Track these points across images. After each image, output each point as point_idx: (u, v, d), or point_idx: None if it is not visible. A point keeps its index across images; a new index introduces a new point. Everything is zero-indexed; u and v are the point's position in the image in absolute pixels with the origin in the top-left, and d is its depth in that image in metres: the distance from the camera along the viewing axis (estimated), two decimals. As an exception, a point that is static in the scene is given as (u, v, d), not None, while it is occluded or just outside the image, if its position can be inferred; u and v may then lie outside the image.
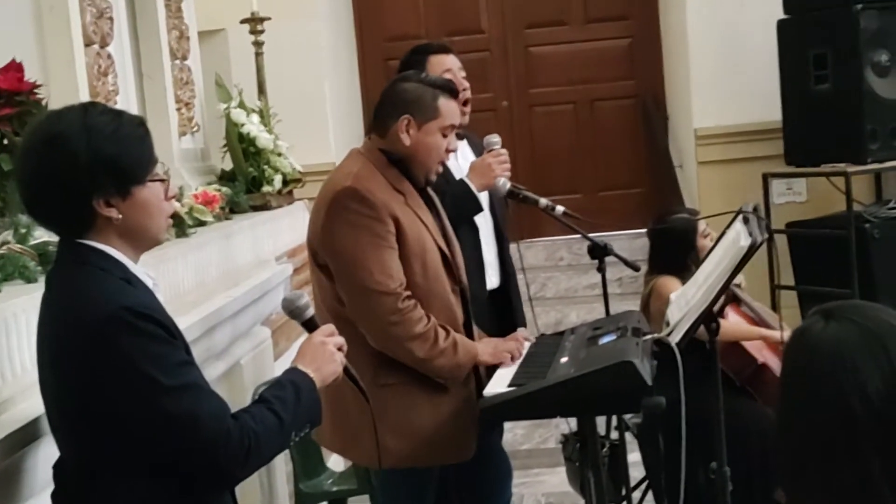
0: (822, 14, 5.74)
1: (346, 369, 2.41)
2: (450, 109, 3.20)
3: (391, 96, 3.23)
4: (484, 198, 3.65)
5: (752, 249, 2.93)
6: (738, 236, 3.02)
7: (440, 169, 3.26)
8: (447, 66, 3.73)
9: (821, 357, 1.50)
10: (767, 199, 6.08)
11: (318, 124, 6.59)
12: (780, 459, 1.52)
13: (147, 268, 2.19)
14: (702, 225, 4.22)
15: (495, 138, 3.73)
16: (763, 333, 4.10)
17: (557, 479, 4.83)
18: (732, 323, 4.12)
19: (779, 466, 1.53)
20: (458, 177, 3.63)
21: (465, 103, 3.61)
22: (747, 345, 4.08)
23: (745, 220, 3.06)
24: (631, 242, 6.42)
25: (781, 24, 5.95)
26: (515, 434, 5.56)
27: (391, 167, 3.18)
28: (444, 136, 3.19)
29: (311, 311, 2.49)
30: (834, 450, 1.46)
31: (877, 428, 1.44)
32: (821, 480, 1.47)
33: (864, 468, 1.44)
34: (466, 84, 3.72)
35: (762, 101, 6.27)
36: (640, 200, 7.47)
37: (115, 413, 1.98)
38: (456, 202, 3.52)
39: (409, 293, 3.08)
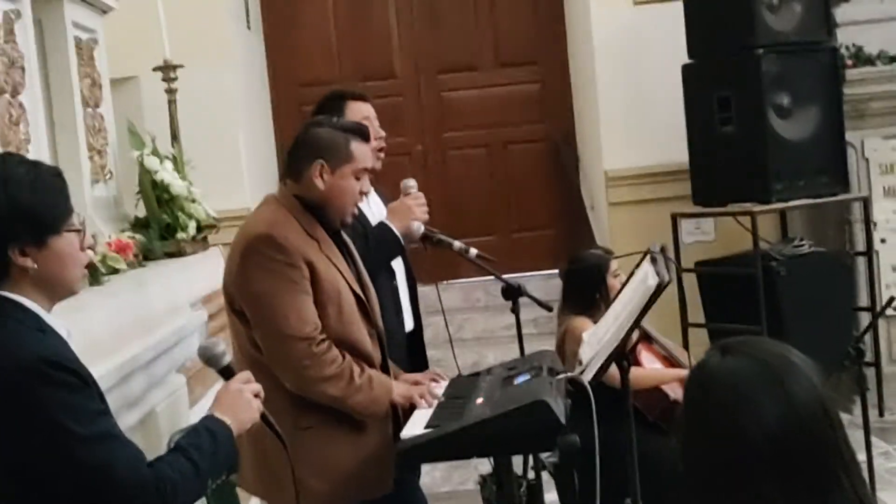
0: (725, 58, 5.91)
1: (263, 416, 2.42)
2: (362, 153, 3.25)
3: (304, 142, 3.27)
4: (399, 242, 3.70)
5: (660, 288, 3.01)
6: (647, 276, 3.10)
7: (355, 212, 3.31)
8: (365, 113, 3.77)
9: (719, 389, 1.56)
10: (677, 238, 6.21)
11: (233, 170, 6.57)
12: (683, 489, 1.58)
13: (61, 316, 2.19)
14: (613, 265, 4.31)
15: (412, 182, 3.80)
16: (678, 375, 4.18)
17: (476, 520, 4.84)
18: (648, 369, 4.19)
19: (682, 496, 1.58)
20: (371, 221, 3.67)
21: (380, 150, 3.68)
22: (659, 382, 4.16)
23: (653, 260, 3.14)
24: (545, 283, 6.50)
25: (686, 68, 6.11)
26: (434, 476, 5.57)
27: (306, 213, 3.21)
28: (357, 178, 3.23)
29: (227, 359, 2.50)
30: (733, 479, 1.51)
31: (774, 457, 1.50)
32: None
33: (762, 496, 1.49)
34: (383, 133, 3.78)
35: (670, 143, 6.41)
36: (553, 241, 7.58)
37: (31, 464, 1.97)
38: (380, 244, 3.57)
39: (323, 336, 3.11)
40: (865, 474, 4.22)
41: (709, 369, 1.60)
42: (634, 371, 3.82)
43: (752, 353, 1.58)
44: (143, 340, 3.69)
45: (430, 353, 4.04)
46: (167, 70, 5.42)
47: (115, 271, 3.93)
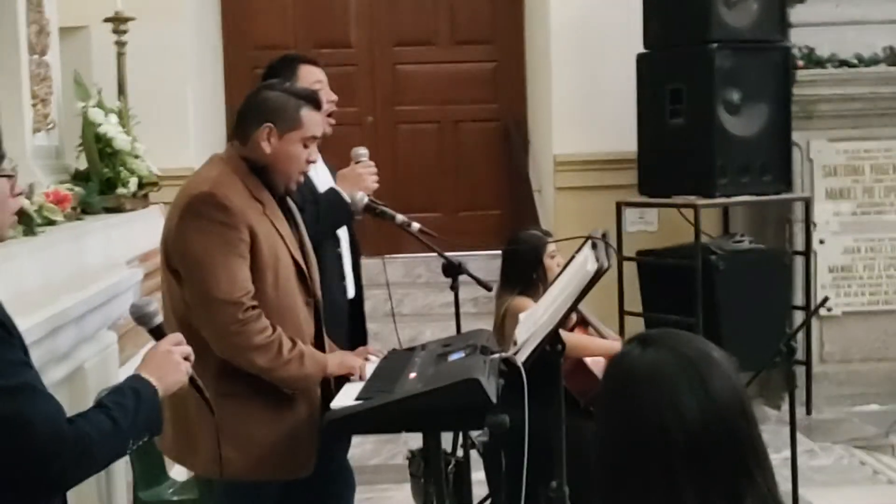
0: (679, 51, 5.94)
1: (191, 379, 2.39)
2: (312, 120, 3.21)
3: (254, 104, 3.23)
4: (344, 210, 3.68)
5: (599, 274, 3.01)
6: (586, 261, 3.10)
7: (301, 179, 3.27)
8: (317, 77, 3.74)
9: (638, 382, 1.54)
10: (620, 226, 6.24)
11: (179, 129, 6.49)
12: (597, 480, 1.56)
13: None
14: (551, 246, 4.31)
15: (363, 150, 3.80)
16: (609, 347, 4.19)
17: (403, 494, 4.85)
18: (582, 337, 4.20)
19: (596, 486, 1.57)
20: (318, 188, 3.64)
21: (329, 115, 3.65)
22: (592, 367, 4.17)
23: (594, 246, 3.15)
24: (487, 263, 6.48)
25: (641, 58, 6.13)
26: (364, 449, 5.56)
27: (251, 175, 3.17)
28: (306, 146, 3.19)
29: (159, 319, 2.48)
30: (649, 473, 1.50)
31: (691, 453, 1.49)
32: (636, 502, 1.52)
33: (677, 492, 1.49)
34: (335, 97, 3.76)
35: (619, 132, 6.43)
36: (497, 222, 7.58)
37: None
38: (330, 210, 3.55)
39: (253, 303, 3.04)
40: (790, 471, 4.27)
41: (628, 361, 1.58)
42: (571, 337, 3.83)
43: (672, 346, 1.57)
44: (75, 294, 3.63)
45: (368, 325, 4.02)
46: (118, 22, 5.35)
47: (52, 223, 3.87)
